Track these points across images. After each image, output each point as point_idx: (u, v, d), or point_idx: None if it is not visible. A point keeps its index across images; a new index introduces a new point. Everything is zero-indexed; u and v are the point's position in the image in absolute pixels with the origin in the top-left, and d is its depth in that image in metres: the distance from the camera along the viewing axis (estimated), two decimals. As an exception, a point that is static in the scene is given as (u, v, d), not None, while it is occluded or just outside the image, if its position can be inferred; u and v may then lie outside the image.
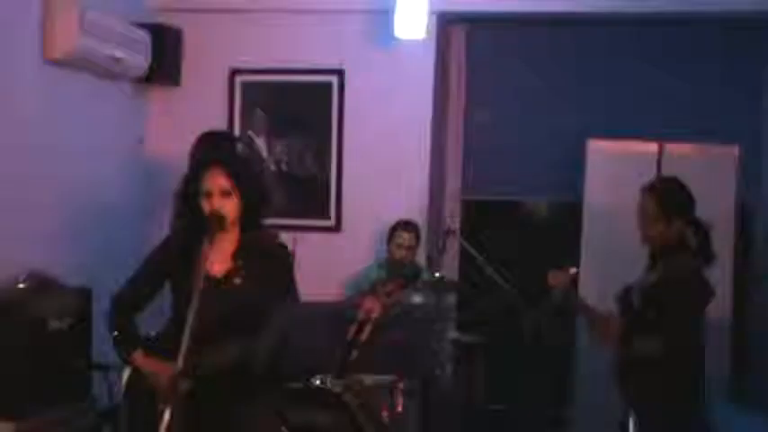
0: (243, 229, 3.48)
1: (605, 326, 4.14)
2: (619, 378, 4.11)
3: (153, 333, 3.54)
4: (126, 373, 3.54)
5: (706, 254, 4.00)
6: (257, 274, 3.44)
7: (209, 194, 3.38)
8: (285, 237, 4.84)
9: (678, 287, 3.91)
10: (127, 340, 3.46)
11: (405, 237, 5.59)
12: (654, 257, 4.12)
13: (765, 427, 4.54)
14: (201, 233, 3.40)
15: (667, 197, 4.04)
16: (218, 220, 3.35)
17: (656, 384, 3.90)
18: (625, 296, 4.10)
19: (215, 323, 3.31)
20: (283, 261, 3.61)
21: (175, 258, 3.47)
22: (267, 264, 3.48)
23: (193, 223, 3.45)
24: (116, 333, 3.47)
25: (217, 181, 3.39)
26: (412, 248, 5.60)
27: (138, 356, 3.41)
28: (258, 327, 3.20)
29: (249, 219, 3.47)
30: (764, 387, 5.54)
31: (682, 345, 3.89)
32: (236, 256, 3.46)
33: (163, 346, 3.35)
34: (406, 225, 5.64)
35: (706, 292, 3.98)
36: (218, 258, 3.39)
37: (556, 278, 4.23)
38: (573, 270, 4.30)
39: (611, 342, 4.07)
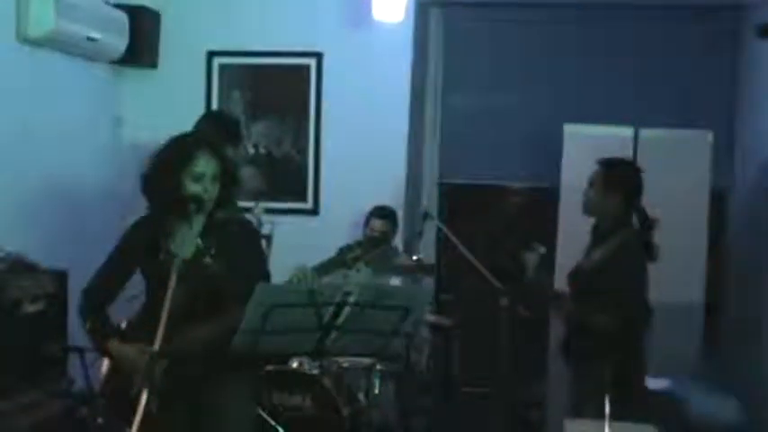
0: (210, 211, 3.45)
1: (559, 302, 4.28)
2: (567, 351, 4.23)
3: (125, 322, 3.55)
4: (104, 366, 3.54)
5: (646, 242, 4.09)
6: (225, 252, 3.41)
7: (199, 177, 3.36)
8: (264, 219, 4.89)
9: (625, 262, 4.05)
10: (101, 331, 3.45)
11: (377, 224, 5.58)
12: (596, 234, 4.25)
13: (735, 407, 4.61)
14: (171, 215, 3.41)
15: (612, 171, 4.18)
16: (198, 203, 3.34)
17: (605, 355, 3.99)
18: (575, 274, 4.21)
19: (188, 305, 3.31)
20: (247, 235, 3.60)
21: (144, 244, 3.46)
22: (232, 240, 3.46)
23: (166, 206, 3.43)
24: (89, 325, 3.47)
25: (210, 164, 3.38)
26: (385, 233, 5.59)
27: (114, 345, 3.40)
28: (232, 305, 3.20)
29: (220, 201, 3.45)
30: (735, 368, 5.58)
31: (630, 317, 3.99)
32: (202, 236, 3.43)
33: (138, 334, 3.34)
34: (380, 211, 5.63)
35: (645, 264, 4.13)
36: (186, 240, 3.36)
37: (528, 259, 4.32)
38: (542, 249, 4.37)
39: (562, 317, 4.20)
